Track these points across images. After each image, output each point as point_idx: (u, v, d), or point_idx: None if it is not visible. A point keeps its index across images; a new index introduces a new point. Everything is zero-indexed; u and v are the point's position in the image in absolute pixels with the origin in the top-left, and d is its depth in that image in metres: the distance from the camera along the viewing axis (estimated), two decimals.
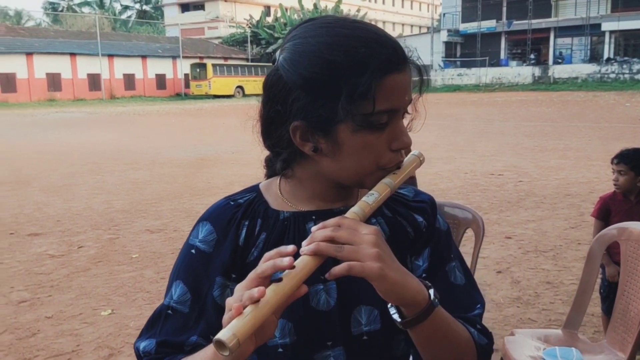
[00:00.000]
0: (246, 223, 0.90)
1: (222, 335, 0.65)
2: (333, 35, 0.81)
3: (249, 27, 48.89)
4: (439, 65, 41.67)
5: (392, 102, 0.81)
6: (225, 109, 28.48)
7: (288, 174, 0.91)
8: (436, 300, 0.78)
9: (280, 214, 0.91)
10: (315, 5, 46.52)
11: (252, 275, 0.71)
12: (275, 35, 46.06)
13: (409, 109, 0.88)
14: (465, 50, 42.88)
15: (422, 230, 0.94)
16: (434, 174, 8.81)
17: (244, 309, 0.67)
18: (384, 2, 72.38)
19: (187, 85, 42.95)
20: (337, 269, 0.71)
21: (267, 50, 46.36)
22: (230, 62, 44.32)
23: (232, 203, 0.93)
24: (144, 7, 70.95)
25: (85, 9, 68.35)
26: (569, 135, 13.45)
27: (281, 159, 0.89)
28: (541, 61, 39.70)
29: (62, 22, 59.95)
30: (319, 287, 0.87)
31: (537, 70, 37.91)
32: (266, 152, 0.98)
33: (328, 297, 0.87)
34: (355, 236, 0.73)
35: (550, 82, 36.38)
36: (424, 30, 54.17)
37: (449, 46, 43.33)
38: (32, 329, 3.56)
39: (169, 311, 0.87)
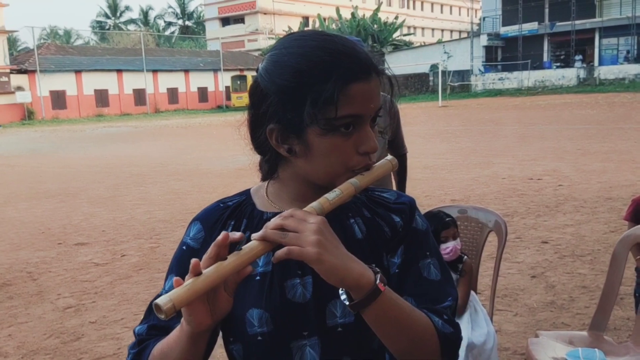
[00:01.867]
0: (232, 223, 0.99)
1: (159, 300, 0.75)
2: (303, 46, 0.90)
3: None
4: (480, 70, 41.10)
5: (356, 108, 0.87)
6: None
7: (274, 177, 0.99)
8: (382, 284, 0.82)
9: (265, 214, 0.98)
10: (353, 15, 46.72)
11: (204, 256, 0.80)
12: None
13: (386, 115, 0.96)
14: (507, 54, 42.13)
15: (399, 230, 0.99)
16: (470, 180, 8.74)
17: (185, 281, 0.77)
18: (422, 9, 72.01)
19: (228, 98, 43.79)
20: (278, 253, 0.78)
21: None
22: None
23: (222, 205, 1.02)
24: (187, 22, 72.87)
25: (131, 27, 70.74)
26: (614, 137, 13.07)
27: (265, 160, 0.98)
28: (587, 62, 38.65)
29: (109, 40, 62.14)
30: (296, 281, 0.94)
31: (582, 72, 36.91)
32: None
33: (304, 290, 0.93)
34: (300, 224, 0.79)
35: (595, 83, 35.36)
36: (464, 35, 53.58)
37: (489, 50, 42.66)
38: (76, 334, 3.75)
39: None
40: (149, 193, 9.05)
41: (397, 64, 42.64)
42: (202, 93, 45.25)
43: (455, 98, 35.64)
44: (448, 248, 2.43)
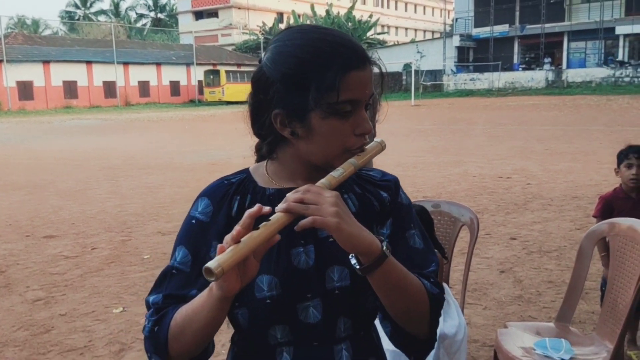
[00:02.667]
0: (238, 198, 1.06)
1: (210, 264, 0.81)
2: (306, 38, 0.98)
3: (262, 33, 49.26)
4: (452, 70, 41.62)
5: (354, 93, 0.96)
6: (238, 115, 28.12)
7: (273, 157, 1.07)
8: (388, 251, 0.92)
9: (267, 190, 1.06)
10: (327, 12, 46.77)
11: (237, 226, 0.86)
12: None
13: (378, 104, 1.04)
14: (478, 55, 42.78)
15: (386, 204, 1.09)
16: (442, 177, 8.87)
17: (227, 248, 0.84)
18: (396, 8, 72.51)
19: (200, 92, 43.38)
20: (304, 222, 0.87)
21: None
22: (243, 68, 44.68)
23: (226, 182, 1.09)
24: (159, 15, 71.80)
25: (102, 18, 69.35)
26: (580, 139, 13.42)
27: (266, 142, 1.06)
28: (555, 65, 39.50)
29: (79, 31, 60.81)
30: (300, 250, 1.03)
31: (550, 75, 37.72)
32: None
33: (307, 258, 1.02)
34: (319, 198, 0.88)
35: (563, 86, 36.18)
36: (437, 35, 54.15)
37: (461, 51, 43.25)
38: (46, 326, 3.69)
39: (174, 271, 1.03)
40: (120, 187, 8.94)
41: None
42: (174, 87, 44.70)
43: (427, 97, 36.03)
44: None
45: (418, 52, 42.17)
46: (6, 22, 58.68)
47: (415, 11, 75.14)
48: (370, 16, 48.75)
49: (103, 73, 40.32)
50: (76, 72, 39.13)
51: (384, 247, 0.92)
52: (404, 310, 0.99)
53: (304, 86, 0.95)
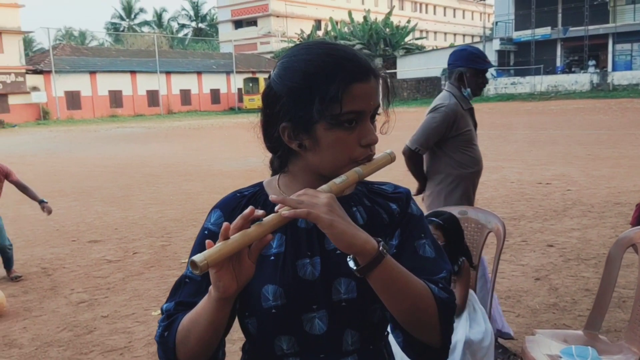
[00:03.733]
0: None
1: (196, 257, 0.85)
2: (311, 53, 1.02)
3: (300, 41, 49.68)
4: (492, 74, 40.95)
5: (358, 105, 0.99)
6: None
7: (285, 170, 1.11)
8: (385, 251, 0.92)
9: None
10: (365, 18, 46.81)
11: (231, 226, 0.90)
12: None
13: (384, 114, 1.08)
14: (519, 58, 42.01)
15: (395, 216, 1.11)
16: (479, 183, 8.77)
17: (215, 244, 0.88)
18: (435, 13, 71.95)
19: (240, 100, 44.06)
20: (298, 211, 0.89)
21: None
22: None
23: (239, 195, 1.14)
24: (200, 25, 73.33)
25: (145, 29, 71.33)
26: (625, 143, 13.03)
27: (277, 156, 1.10)
28: (600, 68, 38.41)
29: (123, 42, 62.74)
30: (306, 261, 1.05)
31: (595, 77, 36.70)
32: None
33: (313, 270, 1.04)
34: (314, 199, 0.91)
35: (609, 89, 35.13)
36: (477, 39, 53.46)
37: (501, 55, 42.56)
38: (89, 327, 3.86)
39: (187, 279, 1.07)
40: (161, 193, 9.20)
41: (409, 68, 42.69)
42: (215, 95, 45.56)
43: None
44: None
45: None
46: (54, 34, 61.10)
47: (454, 15, 74.39)
48: (408, 21, 48.53)
49: (146, 82, 41.48)
50: (121, 82, 40.39)
51: (381, 247, 0.92)
52: (409, 314, 0.98)
53: (308, 99, 0.99)
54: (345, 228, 0.90)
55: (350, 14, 47.29)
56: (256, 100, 40.36)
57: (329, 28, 48.30)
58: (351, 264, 0.94)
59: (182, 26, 74.43)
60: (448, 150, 3.32)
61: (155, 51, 43.03)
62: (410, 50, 46.62)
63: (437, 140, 3.31)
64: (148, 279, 4.84)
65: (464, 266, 2.55)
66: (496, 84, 40.25)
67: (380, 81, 1.05)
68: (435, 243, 1.11)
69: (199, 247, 1.09)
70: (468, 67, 3.28)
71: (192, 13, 72.93)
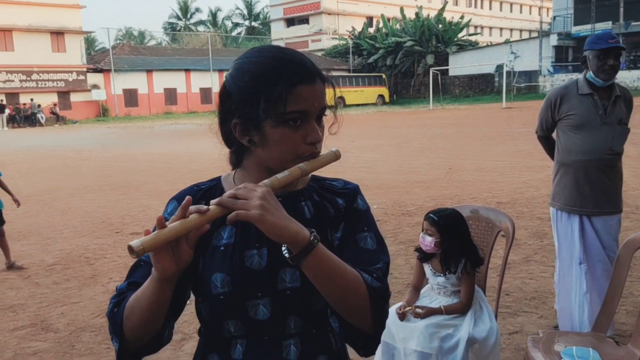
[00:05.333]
0: (202, 202, 1.14)
1: (133, 242, 0.93)
2: (260, 56, 1.11)
3: (351, 38, 49.61)
4: (548, 71, 39.68)
5: (302, 105, 1.07)
6: (325, 120, 29.10)
7: (241, 165, 1.19)
8: (316, 241, 0.99)
9: None
10: (417, 14, 46.24)
11: (172, 217, 0.99)
12: (377, 45, 46.32)
13: (332, 116, 1.16)
14: (578, 54, 40.30)
15: (342, 210, 1.17)
16: (521, 183, 8.59)
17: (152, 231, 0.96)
18: (490, 8, 70.23)
19: None
20: (230, 216, 0.96)
21: (369, 61, 46.72)
22: (332, 73, 44.97)
23: (195, 188, 1.22)
24: (253, 23, 74.43)
25: (200, 28, 73.02)
26: None
27: (232, 151, 1.18)
28: None
29: (179, 41, 64.47)
30: (254, 252, 1.12)
31: None
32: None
33: (260, 260, 1.12)
34: (249, 192, 0.98)
35: None
36: (534, 34, 51.90)
37: (559, 50, 41.10)
38: None
39: (142, 262, 1.15)
40: None
41: (462, 64, 41.88)
42: None
43: (521, 99, 34.61)
44: (427, 240, 2.58)
45: (512, 52, 40.61)
46: (115, 34, 63.45)
47: (510, 10, 72.39)
48: (462, 17, 47.56)
49: (200, 80, 42.52)
50: (176, 80, 41.58)
51: (312, 237, 0.98)
52: (341, 301, 1.04)
53: (256, 98, 1.06)
54: (276, 220, 0.96)
55: (402, 10, 46.78)
56: None
57: (381, 25, 47.98)
58: (285, 251, 1.01)
59: (236, 25, 75.73)
60: (559, 134, 3.29)
61: (208, 50, 44.02)
62: (463, 47, 45.68)
63: (550, 123, 3.31)
64: None
65: (468, 264, 2.56)
66: (553, 80, 38.93)
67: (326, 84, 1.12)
68: (379, 237, 1.17)
69: None
70: (588, 49, 3.12)
71: (245, 12, 74.11)
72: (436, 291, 2.68)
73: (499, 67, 38.10)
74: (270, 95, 1.05)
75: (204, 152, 15.33)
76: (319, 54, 51.54)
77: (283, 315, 1.11)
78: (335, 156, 1.14)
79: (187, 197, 0.99)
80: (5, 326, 3.89)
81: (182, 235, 0.98)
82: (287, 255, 1.01)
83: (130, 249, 0.93)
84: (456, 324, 2.51)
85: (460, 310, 2.56)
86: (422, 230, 2.66)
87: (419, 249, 2.70)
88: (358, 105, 40.80)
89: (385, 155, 13.04)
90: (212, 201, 0.99)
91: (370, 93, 42.54)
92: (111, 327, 1.11)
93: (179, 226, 0.96)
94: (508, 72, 34.65)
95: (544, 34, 41.06)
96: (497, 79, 40.48)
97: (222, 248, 1.13)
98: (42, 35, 37.07)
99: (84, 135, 24.81)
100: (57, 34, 37.72)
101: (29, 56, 35.83)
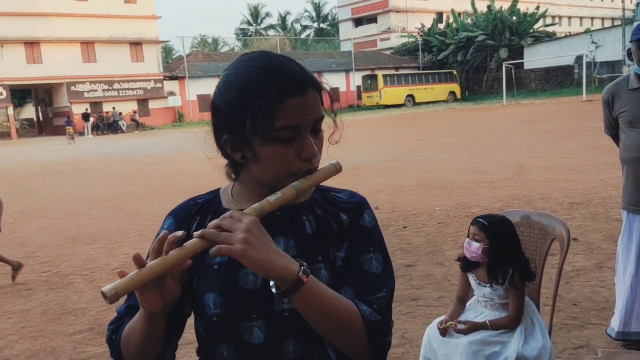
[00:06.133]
0: (198, 218, 1.13)
1: (105, 288, 0.87)
2: (247, 67, 1.02)
3: (420, 35, 48.81)
4: (629, 62, 37.24)
5: (292, 120, 0.98)
6: (393, 119, 28.83)
7: (239, 179, 1.12)
8: (304, 277, 0.91)
9: (227, 211, 1.09)
10: (489, 7, 44.76)
11: (150, 249, 0.93)
12: (447, 41, 45.30)
13: (332, 124, 1.09)
14: None
15: (345, 227, 1.09)
16: (598, 181, 8.05)
17: (129, 273, 0.89)
18: None
19: (359, 97, 44.33)
20: (212, 251, 0.90)
21: (439, 57, 45.78)
22: (401, 71, 44.78)
23: (192, 202, 1.17)
24: (321, 25, 74.95)
25: (270, 32, 74.40)
26: None
27: (227, 165, 1.12)
28: None
29: (250, 46, 65.95)
30: (248, 271, 1.04)
31: None
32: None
33: (255, 279, 1.05)
34: (234, 224, 0.90)
35: None
36: (617, 22, 48.92)
37: None
38: None
39: None
40: None
41: (538, 57, 40.13)
42: (334, 93, 44.55)
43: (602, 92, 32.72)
44: (474, 247, 2.39)
45: (592, 42, 38.45)
46: (190, 42, 65.84)
47: None
48: (537, 8, 45.55)
49: None
50: None
51: (300, 273, 0.91)
52: (333, 335, 0.98)
53: (243, 114, 0.99)
54: (260, 256, 0.89)
55: (473, 3, 45.43)
56: (374, 98, 40.42)
57: (451, 20, 46.86)
58: (273, 288, 0.94)
59: (305, 27, 76.60)
60: (619, 131, 3.12)
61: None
62: (539, 39, 43.76)
63: (612, 121, 3.15)
64: None
65: (517, 275, 2.35)
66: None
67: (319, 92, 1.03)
68: (385, 258, 1.08)
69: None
70: (631, 40, 2.89)
71: (314, 14, 74.78)
72: (482, 304, 2.49)
73: (579, 58, 36.22)
74: (257, 111, 0.97)
75: None
76: (388, 52, 51.12)
77: (279, 339, 1.04)
78: (336, 169, 1.05)
79: (164, 232, 0.93)
80: (64, 330, 4.03)
81: (161, 275, 0.91)
82: (274, 290, 0.94)
83: (103, 294, 0.87)
84: (503, 341, 2.32)
85: (508, 325, 2.36)
86: (468, 236, 2.48)
87: (462, 258, 2.52)
88: (428, 102, 40.05)
89: (452, 154, 12.65)
90: (195, 233, 0.92)
91: (441, 90, 41.68)
92: (111, 352, 1.08)
93: (156, 266, 0.90)
94: (588, 63, 32.91)
95: (627, 22, 38.55)
96: (576, 70, 38.48)
97: (216, 267, 1.07)
98: (122, 47, 39.06)
99: (160, 140, 25.86)
100: (136, 44, 39.61)
101: (111, 66, 37.86)
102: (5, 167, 17.44)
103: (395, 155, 13.21)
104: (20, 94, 44.54)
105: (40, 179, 13.98)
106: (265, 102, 0.96)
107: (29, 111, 45.44)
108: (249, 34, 74.49)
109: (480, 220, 2.42)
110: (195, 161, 15.62)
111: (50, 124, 40.11)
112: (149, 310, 0.95)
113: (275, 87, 0.97)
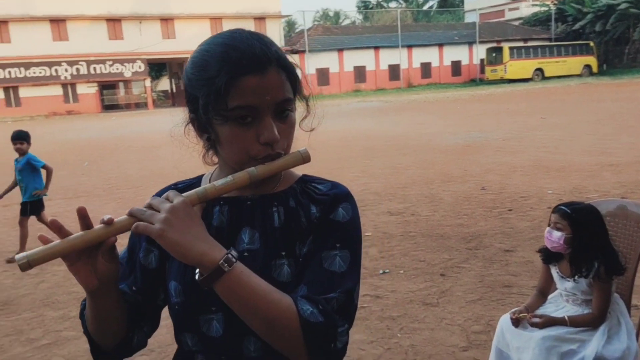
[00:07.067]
0: None
1: (17, 255, 0.85)
2: (211, 44, 0.97)
3: (554, 4, 45.30)
4: None
5: (247, 100, 0.92)
6: (517, 94, 27.24)
7: (218, 164, 1.07)
8: (227, 266, 0.86)
9: None
10: None
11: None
12: (584, 10, 41.61)
13: (304, 108, 1.03)
14: None
15: (313, 221, 1.00)
16: None
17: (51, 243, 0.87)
18: None
19: (482, 71, 42.39)
20: (132, 227, 0.87)
21: (574, 28, 42.28)
22: (530, 43, 42.06)
23: (173, 186, 1.10)
24: None
25: (392, 4, 72.97)
26: None
27: (204, 147, 1.05)
28: None
29: (370, 19, 65.31)
30: None
31: None
32: None
33: None
34: (162, 204, 0.88)
35: None
36: None
37: None
38: None
39: (119, 263, 1.08)
40: (373, 166, 9.51)
41: None
42: (455, 67, 44.69)
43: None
44: (555, 236, 2.23)
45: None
46: (312, 16, 66.62)
47: None
48: None
49: (388, 57, 42.74)
50: (365, 58, 42.38)
51: (221, 261, 0.86)
52: (263, 333, 0.91)
53: (200, 92, 0.95)
54: (178, 238, 0.85)
55: None
56: (498, 71, 38.39)
57: None
58: (197, 275, 0.89)
59: None
60: None
61: (398, 26, 43.90)
62: None
63: None
64: None
65: (602, 270, 2.15)
66: None
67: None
68: (354, 257, 0.98)
69: (131, 234, 1.06)
70: None
71: None
72: (564, 298, 2.31)
73: None
74: (210, 89, 0.92)
75: (382, 130, 15.42)
76: (516, 23, 48.14)
77: (239, 335, 0.97)
78: (302, 158, 0.98)
79: (81, 206, 0.89)
80: None
81: (82, 249, 0.88)
82: (197, 277, 0.89)
83: (16, 261, 0.85)
84: (582, 339, 2.15)
85: (589, 323, 2.17)
86: (549, 225, 2.31)
87: (543, 249, 2.35)
88: (559, 77, 37.28)
89: (577, 134, 11.73)
90: (128, 210, 0.90)
91: (575, 63, 38.55)
92: (83, 327, 1.06)
93: (74, 239, 0.87)
94: None
95: None
96: None
97: None
98: (247, 21, 40.51)
99: None
100: (260, 19, 40.91)
101: None
102: (139, 135, 18.98)
103: (513, 133, 12.52)
104: (156, 68, 47.94)
105: (169, 147, 15.03)
106: (218, 79, 0.91)
107: (165, 83, 48.84)
108: (370, 6, 73.66)
109: (563, 207, 2.24)
110: (306, 134, 15.92)
111: (182, 95, 42.93)
112: (84, 286, 0.92)
113: (230, 64, 0.91)
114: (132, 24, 38.06)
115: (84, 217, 0.89)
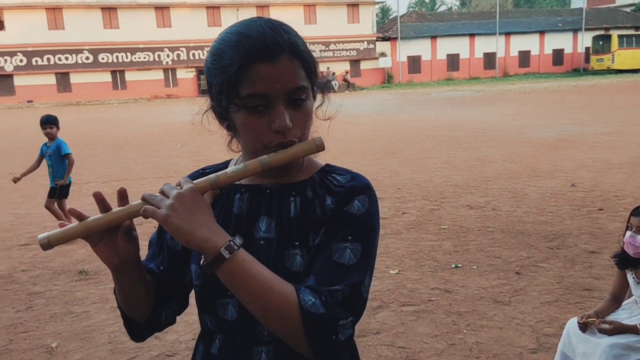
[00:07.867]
0: None
1: (40, 235, 0.91)
2: (229, 32, 0.98)
3: None
4: None
5: (259, 88, 0.92)
6: (624, 86, 25.40)
7: (242, 150, 1.08)
8: (227, 253, 0.87)
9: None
10: None
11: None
12: None
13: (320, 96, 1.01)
14: None
15: (327, 212, 0.99)
16: None
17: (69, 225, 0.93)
18: None
19: (587, 60, 39.83)
20: (140, 211, 0.90)
21: None
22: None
23: (201, 171, 1.12)
24: None
25: None
26: None
27: (228, 134, 1.07)
28: None
29: (468, 5, 63.14)
30: None
31: None
32: None
33: None
34: (171, 190, 0.90)
35: None
36: None
37: None
38: None
39: (151, 241, 1.15)
40: (456, 157, 9.27)
41: None
42: (557, 55, 42.29)
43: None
44: (638, 240, 2.09)
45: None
46: (407, 2, 65.49)
47: None
48: None
49: (484, 45, 41.23)
50: (459, 45, 41.16)
51: (223, 248, 0.87)
52: (262, 318, 0.92)
53: (216, 80, 0.97)
54: (182, 224, 0.87)
55: None
56: (605, 61, 35.95)
57: None
58: (202, 260, 0.91)
59: None
60: None
61: (496, 12, 42.16)
62: None
63: None
64: (402, 239, 5.07)
65: None
66: None
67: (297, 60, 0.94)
68: (366, 251, 0.97)
69: None
70: None
71: None
72: (639, 305, 2.16)
73: None
74: (222, 77, 0.94)
75: (470, 120, 14.96)
76: (628, 9, 44.69)
77: (252, 318, 0.96)
78: (316, 147, 0.96)
79: (96, 191, 0.94)
80: None
81: (97, 231, 0.94)
82: (201, 263, 0.91)
83: (39, 241, 0.91)
84: None
85: None
86: (629, 229, 2.17)
87: (619, 254, 2.21)
88: None
89: None
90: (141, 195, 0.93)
91: None
92: (117, 302, 1.11)
93: (92, 221, 0.92)
94: None
95: None
96: None
97: None
98: (340, 8, 40.57)
99: (365, 101, 26.56)
100: (353, 5, 40.78)
101: (329, 27, 39.69)
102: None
103: (613, 127, 11.71)
104: None
105: None
106: (230, 67, 0.92)
107: None
108: None
109: None
110: (394, 122, 15.79)
111: None
112: (107, 264, 0.97)
113: (241, 51, 0.92)
114: (230, 11, 39.23)
115: (122, 197, 0.95)
